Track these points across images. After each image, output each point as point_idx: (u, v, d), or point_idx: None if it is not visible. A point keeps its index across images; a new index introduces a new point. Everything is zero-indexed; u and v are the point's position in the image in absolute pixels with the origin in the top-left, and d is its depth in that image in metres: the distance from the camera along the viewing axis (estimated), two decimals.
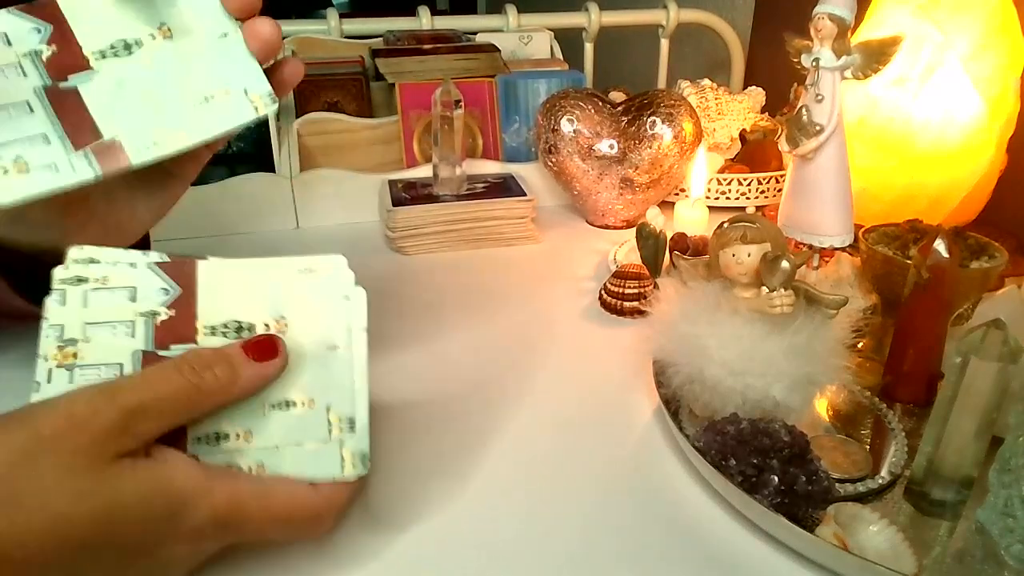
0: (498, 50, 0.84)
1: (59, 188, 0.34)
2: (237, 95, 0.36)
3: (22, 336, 0.35)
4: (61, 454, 0.26)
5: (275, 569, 0.33)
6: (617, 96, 0.78)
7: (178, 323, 0.32)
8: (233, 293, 0.33)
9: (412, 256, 0.68)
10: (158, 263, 0.33)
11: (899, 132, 0.61)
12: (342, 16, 0.93)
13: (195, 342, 0.32)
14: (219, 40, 0.36)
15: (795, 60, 0.50)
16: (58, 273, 0.31)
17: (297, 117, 0.76)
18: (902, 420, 0.44)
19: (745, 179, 0.77)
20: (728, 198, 0.78)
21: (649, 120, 0.70)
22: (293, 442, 0.32)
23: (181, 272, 0.33)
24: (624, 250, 0.66)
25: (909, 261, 0.45)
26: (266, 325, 0.33)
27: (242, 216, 0.71)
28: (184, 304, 0.32)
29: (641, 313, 0.54)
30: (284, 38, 0.88)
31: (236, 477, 0.31)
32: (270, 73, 0.38)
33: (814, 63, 0.48)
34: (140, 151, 0.35)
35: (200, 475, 0.29)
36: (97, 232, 0.39)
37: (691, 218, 0.66)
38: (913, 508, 0.37)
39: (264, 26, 0.39)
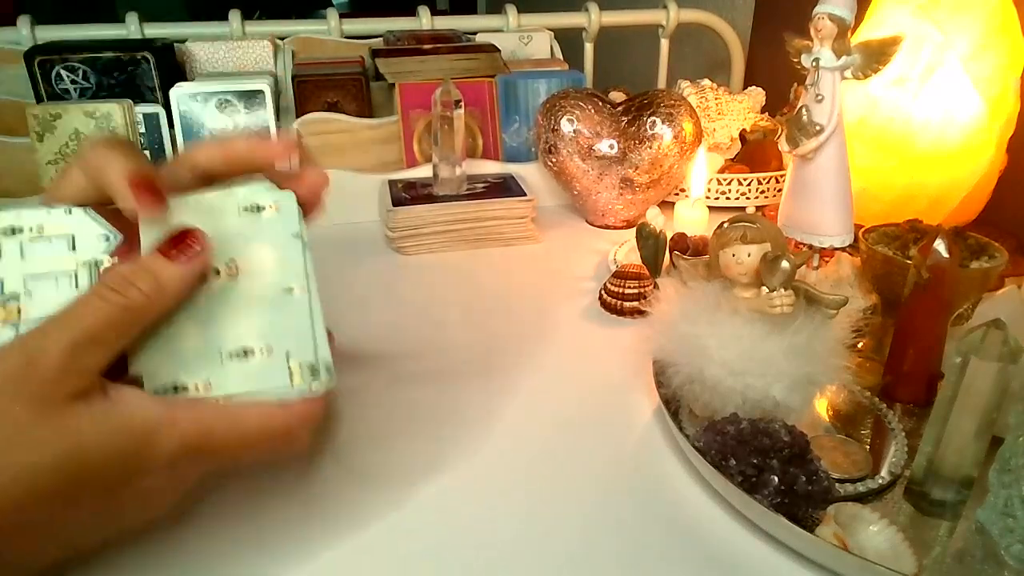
0: (498, 50, 0.84)
1: None
2: (278, 358, 0.32)
3: None
4: (10, 408, 0.26)
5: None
6: (617, 96, 0.78)
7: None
8: None
9: (412, 256, 0.68)
10: (95, 208, 0.31)
11: (899, 132, 0.61)
12: (342, 16, 0.93)
13: None
14: (283, 294, 0.33)
15: (795, 60, 0.50)
16: None
17: (297, 117, 0.76)
18: (902, 420, 0.44)
19: (745, 179, 0.77)
20: (728, 198, 0.78)
21: (649, 120, 0.70)
22: (255, 391, 0.31)
23: (120, 217, 0.31)
24: (624, 250, 0.66)
25: (909, 261, 0.45)
26: (216, 270, 0.32)
27: None
28: (128, 252, 0.31)
29: (641, 313, 0.54)
30: (284, 38, 0.88)
31: (200, 404, 0.30)
32: (293, 182, 0.35)
33: (814, 63, 0.48)
34: (157, 387, 0.31)
35: (160, 407, 0.29)
36: None
37: (691, 218, 0.66)
38: (913, 508, 0.37)
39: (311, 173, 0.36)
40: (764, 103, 0.85)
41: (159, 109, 0.72)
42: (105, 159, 0.30)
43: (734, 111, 0.83)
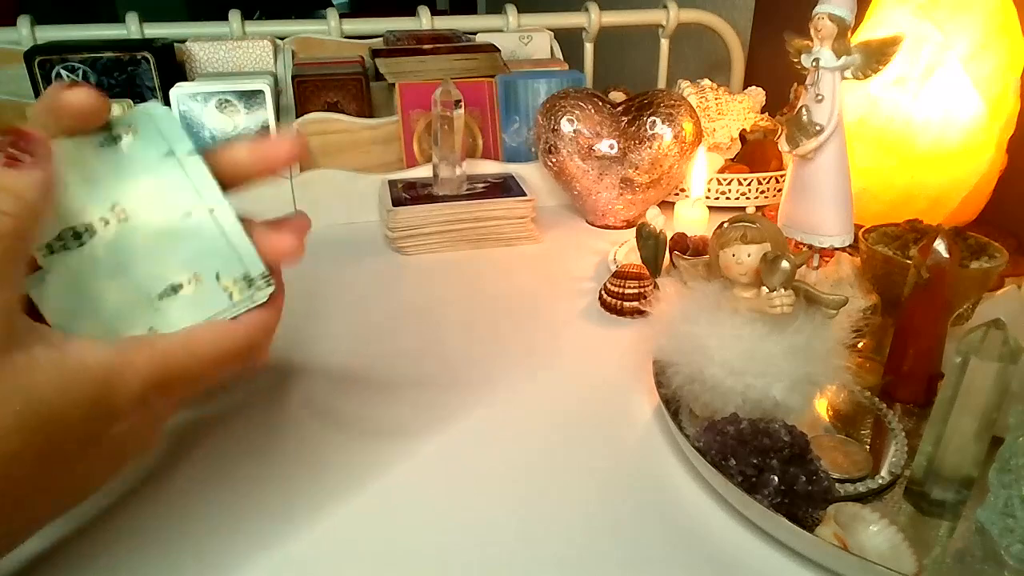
0: (498, 50, 0.84)
1: None
2: (209, 282, 0.31)
3: None
4: None
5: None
6: (617, 96, 0.78)
7: None
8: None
9: (412, 256, 0.68)
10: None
11: (899, 132, 0.61)
12: (342, 16, 0.93)
13: (39, 267, 0.29)
14: (183, 220, 0.31)
15: (795, 60, 0.50)
16: None
17: (297, 117, 0.76)
18: (902, 420, 0.44)
19: (745, 179, 0.77)
20: (728, 198, 0.78)
21: (649, 120, 0.70)
22: (200, 321, 0.31)
23: None
24: (624, 250, 0.66)
25: (909, 261, 0.45)
26: (103, 220, 0.30)
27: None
28: None
29: (641, 313, 0.54)
30: (284, 38, 0.88)
31: (152, 340, 0.30)
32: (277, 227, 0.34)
33: (814, 63, 0.48)
34: None
35: (111, 350, 0.28)
36: None
37: (691, 218, 0.66)
38: (913, 508, 0.37)
39: (282, 243, 0.33)
40: (764, 103, 0.85)
41: None
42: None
43: (734, 111, 0.83)
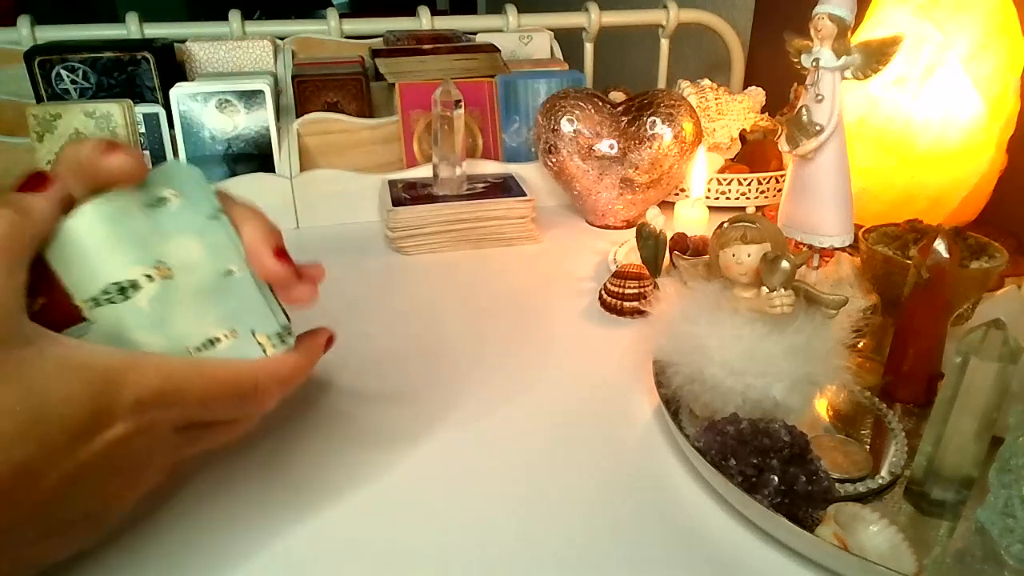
0: (498, 50, 0.84)
1: None
2: (245, 337, 0.33)
3: None
4: None
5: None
6: (617, 96, 0.78)
7: (55, 308, 0.30)
8: (95, 256, 0.30)
9: (412, 256, 0.68)
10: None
11: (899, 132, 0.61)
12: (342, 16, 0.93)
13: (85, 319, 0.30)
14: (224, 278, 0.33)
15: (795, 60, 0.50)
16: None
17: (297, 117, 0.76)
18: (902, 420, 0.44)
19: (745, 179, 0.77)
20: (728, 198, 0.78)
21: (649, 120, 0.70)
22: None
23: None
24: (624, 250, 0.66)
25: (909, 261, 0.45)
26: (148, 276, 0.31)
27: None
28: (50, 288, 0.30)
29: (641, 313, 0.54)
30: (284, 38, 0.88)
31: (167, 356, 0.31)
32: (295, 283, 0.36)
33: (814, 63, 0.48)
34: None
35: (119, 353, 0.29)
36: None
37: (691, 218, 0.66)
38: (913, 508, 0.37)
39: (303, 294, 0.36)
40: (764, 103, 0.85)
41: (159, 109, 0.72)
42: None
43: (734, 111, 0.83)
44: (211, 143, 0.73)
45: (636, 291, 0.56)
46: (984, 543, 0.35)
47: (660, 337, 0.43)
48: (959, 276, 0.44)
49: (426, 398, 0.46)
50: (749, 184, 0.77)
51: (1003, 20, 0.58)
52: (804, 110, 0.48)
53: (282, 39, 0.88)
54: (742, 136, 0.82)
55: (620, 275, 0.57)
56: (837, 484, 0.37)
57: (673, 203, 0.71)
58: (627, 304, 0.56)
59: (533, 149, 0.78)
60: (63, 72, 0.73)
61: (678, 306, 0.42)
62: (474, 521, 0.36)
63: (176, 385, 0.30)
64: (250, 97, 0.72)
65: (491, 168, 0.78)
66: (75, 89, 0.73)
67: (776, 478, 0.34)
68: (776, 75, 0.89)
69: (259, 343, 0.33)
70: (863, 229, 0.52)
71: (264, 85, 0.72)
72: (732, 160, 0.82)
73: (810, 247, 0.52)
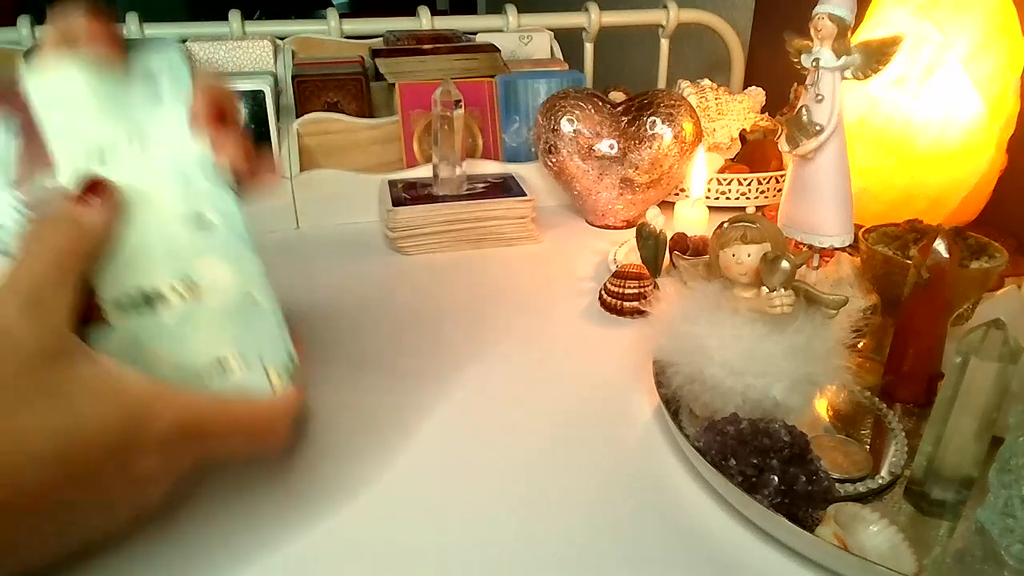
0: (498, 50, 0.84)
1: None
2: (255, 367, 0.33)
3: None
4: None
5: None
6: (617, 96, 0.78)
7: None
8: (124, 259, 0.31)
9: (412, 256, 0.68)
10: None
11: (899, 132, 0.61)
12: (342, 16, 0.93)
13: (103, 319, 0.31)
14: (246, 302, 0.33)
15: (795, 60, 0.50)
16: None
17: (297, 117, 0.76)
18: (902, 420, 0.44)
19: (745, 179, 0.77)
20: (728, 198, 0.78)
21: (649, 120, 0.70)
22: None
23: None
24: (624, 250, 0.66)
25: (909, 261, 0.45)
26: (175, 290, 0.32)
27: None
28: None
29: (641, 313, 0.54)
30: (284, 38, 0.88)
31: (190, 390, 0.31)
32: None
33: (814, 63, 0.48)
34: None
35: (154, 383, 0.29)
36: None
37: (691, 218, 0.66)
38: (913, 508, 0.37)
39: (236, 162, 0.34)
40: (764, 103, 0.85)
41: None
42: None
43: (734, 111, 0.83)
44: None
45: (636, 291, 0.56)
46: (984, 543, 0.35)
47: (660, 337, 0.43)
48: (959, 276, 0.44)
49: (426, 398, 0.46)
50: (749, 184, 0.77)
51: (1003, 20, 0.58)
52: (804, 110, 0.48)
53: (282, 39, 0.88)
54: (742, 136, 0.82)
55: (620, 275, 0.57)
56: (837, 484, 0.37)
57: (673, 203, 0.71)
58: (627, 304, 0.56)
59: (533, 149, 0.78)
60: None
61: (678, 306, 0.42)
62: (474, 520, 0.36)
63: (201, 418, 0.30)
64: (250, 97, 0.72)
65: (491, 168, 0.78)
66: None
67: (776, 478, 0.34)
68: (776, 75, 0.89)
69: (267, 374, 0.33)
70: (863, 229, 0.52)
71: (264, 85, 0.72)
72: (732, 160, 0.82)
73: (810, 247, 0.52)
